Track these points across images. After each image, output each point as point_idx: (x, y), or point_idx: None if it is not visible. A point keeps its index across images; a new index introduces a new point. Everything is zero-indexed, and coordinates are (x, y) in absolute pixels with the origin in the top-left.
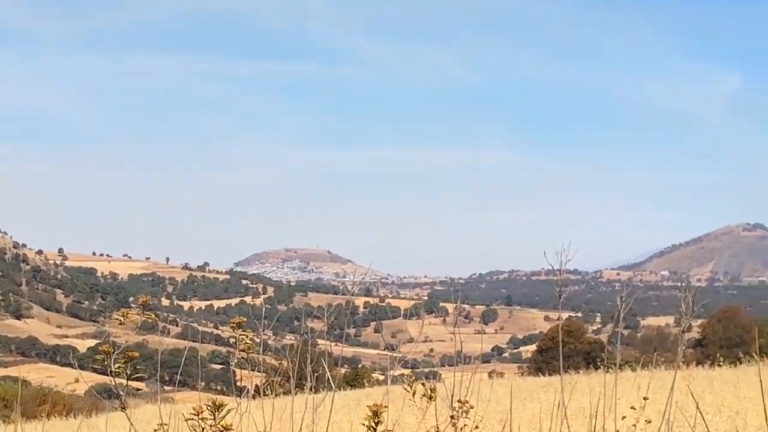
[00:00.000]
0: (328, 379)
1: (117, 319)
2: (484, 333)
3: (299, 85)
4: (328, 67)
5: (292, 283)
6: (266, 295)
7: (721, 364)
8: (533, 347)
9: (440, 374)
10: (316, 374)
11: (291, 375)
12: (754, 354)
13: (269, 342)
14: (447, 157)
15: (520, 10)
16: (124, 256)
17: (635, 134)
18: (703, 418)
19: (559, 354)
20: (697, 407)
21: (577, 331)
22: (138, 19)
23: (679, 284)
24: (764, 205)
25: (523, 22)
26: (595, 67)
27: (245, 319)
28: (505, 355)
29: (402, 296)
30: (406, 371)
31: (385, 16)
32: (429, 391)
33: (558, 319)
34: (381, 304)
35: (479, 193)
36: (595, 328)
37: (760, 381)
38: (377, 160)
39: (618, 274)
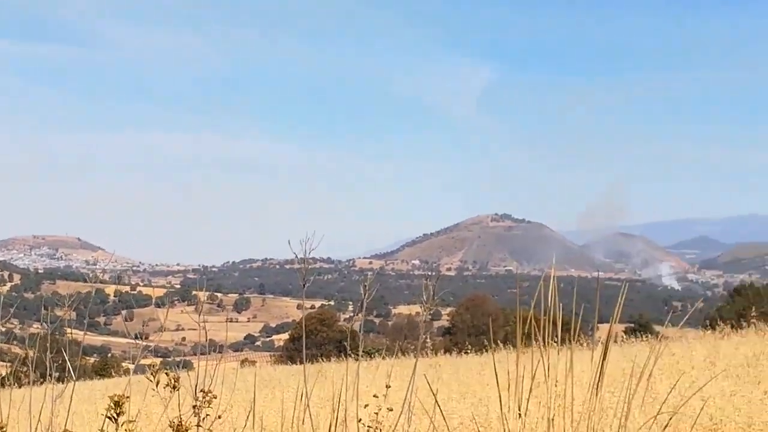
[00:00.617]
0: (72, 369)
1: None
2: (236, 321)
3: (49, 68)
4: (78, 50)
5: (40, 271)
6: (12, 283)
7: (468, 351)
8: (286, 336)
9: (192, 363)
10: (56, 363)
11: (29, 365)
12: (498, 341)
13: (15, 331)
14: (202, 145)
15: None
16: None
17: (389, 125)
18: (439, 406)
19: (302, 343)
20: (434, 395)
21: (330, 319)
22: None
23: (430, 273)
24: (512, 195)
25: (279, 13)
26: (351, 59)
27: None
28: (258, 343)
29: (154, 284)
30: (157, 360)
31: (136, 1)
32: (172, 380)
33: (311, 308)
34: (132, 291)
35: (234, 181)
36: (348, 316)
37: (495, 371)
38: (131, 146)
39: (370, 262)
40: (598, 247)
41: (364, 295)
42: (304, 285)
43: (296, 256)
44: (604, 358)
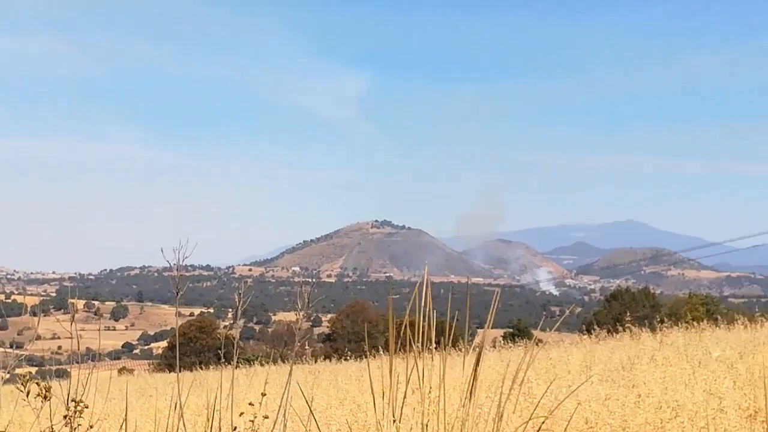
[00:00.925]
0: None
1: None
2: (114, 329)
3: None
4: None
5: None
6: None
7: (348, 358)
8: (165, 343)
9: (70, 372)
10: None
11: None
12: (380, 348)
13: None
14: (74, 150)
15: (149, 3)
16: None
17: (268, 133)
18: (312, 414)
19: (176, 352)
20: (308, 403)
21: (209, 326)
22: None
23: (310, 280)
24: (391, 202)
25: (154, 17)
26: (232, 65)
27: None
28: (137, 351)
29: (29, 292)
30: (32, 369)
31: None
32: (43, 390)
33: (190, 315)
34: (6, 300)
35: (111, 187)
36: (227, 323)
37: (370, 378)
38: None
39: (250, 269)
40: (478, 253)
41: (239, 302)
42: (177, 293)
43: (170, 264)
44: (477, 363)
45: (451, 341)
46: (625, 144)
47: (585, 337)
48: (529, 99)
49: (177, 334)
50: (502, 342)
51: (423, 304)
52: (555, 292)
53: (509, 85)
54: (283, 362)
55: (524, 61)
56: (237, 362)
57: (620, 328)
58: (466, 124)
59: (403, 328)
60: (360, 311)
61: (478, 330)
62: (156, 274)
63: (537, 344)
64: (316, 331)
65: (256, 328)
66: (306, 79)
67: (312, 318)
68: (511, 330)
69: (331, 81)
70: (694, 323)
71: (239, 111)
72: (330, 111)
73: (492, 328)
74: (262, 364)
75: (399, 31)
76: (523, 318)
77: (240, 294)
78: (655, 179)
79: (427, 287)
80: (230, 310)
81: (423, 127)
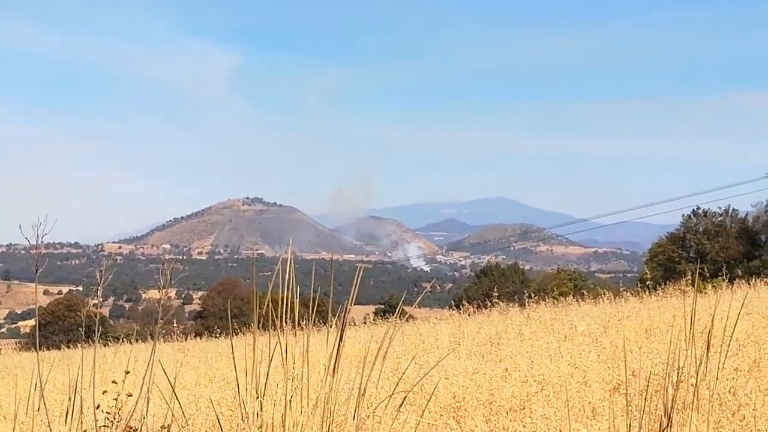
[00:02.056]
0: None
1: None
2: None
3: None
4: None
5: None
6: None
7: (219, 335)
8: (32, 322)
9: None
10: None
11: None
12: (251, 325)
13: None
14: None
15: None
16: None
17: (136, 108)
18: (174, 391)
19: (35, 331)
20: (169, 380)
21: (77, 304)
22: None
23: (180, 257)
24: (262, 179)
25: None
26: (94, 40)
27: None
28: (3, 330)
29: None
30: None
31: None
32: None
33: (59, 294)
34: None
35: None
36: (96, 301)
37: (233, 355)
38: None
39: (120, 247)
40: (349, 230)
41: (100, 279)
42: (36, 270)
43: (28, 241)
44: (341, 338)
45: (320, 317)
46: (494, 122)
47: (455, 312)
48: (405, 76)
49: (37, 312)
50: (373, 318)
51: (287, 280)
52: (426, 268)
53: (381, 64)
54: (154, 340)
55: (392, 40)
56: (106, 340)
57: (489, 304)
58: (337, 102)
59: (266, 304)
60: (231, 288)
61: (351, 307)
62: (23, 252)
63: (407, 320)
64: (188, 308)
65: (126, 306)
66: (175, 55)
67: (183, 296)
68: (382, 306)
69: (202, 58)
70: (561, 298)
71: (106, 88)
72: (201, 88)
73: (364, 304)
74: (130, 342)
75: (271, 7)
76: (394, 294)
77: (101, 270)
78: (523, 157)
79: (290, 263)
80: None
81: (295, 105)
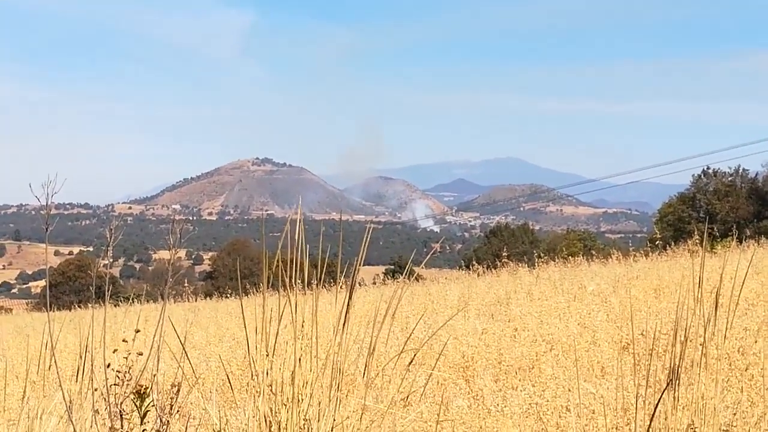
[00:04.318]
0: None
1: None
2: None
3: None
4: None
5: None
6: None
7: (229, 295)
8: (43, 282)
9: None
10: None
11: None
12: (261, 284)
13: None
14: None
15: None
16: None
17: (146, 68)
18: (184, 349)
19: (47, 291)
20: (180, 339)
21: (88, 265)
22: None
23: (190, 218)
24: (272, 139)
25: None
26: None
27: None
28: (15, 291)
29: None
30: None
31: None
32: None
33: (69, 254)
34: None
35: None
36: (106, 262)
37: (242, 314)
38: None
39: (130, 207)
40: (359, 191)
41: (110, 237)
42: (47, 229)
43: (38, 200)
44: (350, 297)
45: (330, 277)
46: (505, 83)
47: (464, 273)
48: (411, 38)
49: (48, 273)
50: (383, 278)
51: (297, 240)
52: (436, 228)
53: (391, 25)
54: (164, 300)
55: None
56: (117, 301)
57: (498, 264)
58: (348, 62)
59: (275, 264)
60: (241, 249)
61: (361, 267)
62: (33, 213)
63: (416, 280)
64: (198, 269)
65: (137, 266)
66: (185, 15)
67: (193, 256)
68: (392, 267)
69: (212, 17)
70: (571, 258)
71: (116, 49)
72: (211, 48)
73: (374, 264)
74: (141, 303)
75: None
76: (404, 254)
77: (111, 230)
78: (534, 118)
79: (300, 223)
80: (110, 248)
81: (305, 66)
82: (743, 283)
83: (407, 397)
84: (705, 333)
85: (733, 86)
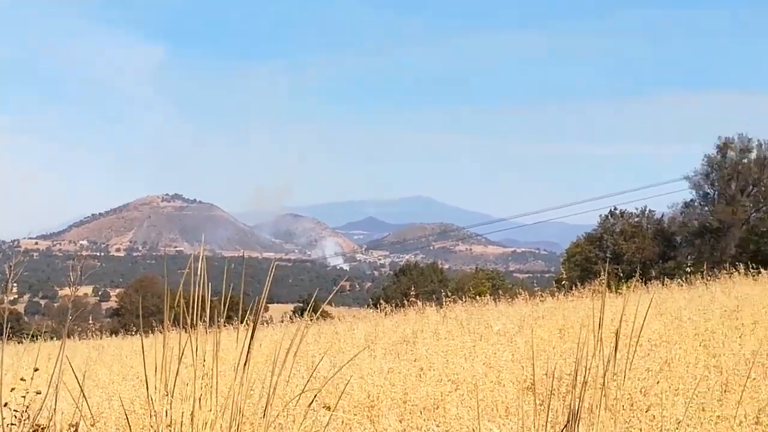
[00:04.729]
0: None
1: None
2: None
3: None
4: None
5: None
6: None
7: (135, 333)
8: None
9: None
10: None
11: None
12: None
13: None
14: None
15: None
16: None
17: (54, 101)
18: (82, 389)
19: None
20: (77, 379)
21: None
22: None
23: (98, 254)
24: (182, 176)
25: None
26: (10, 31)
27: None
28: None
29: None
30: None
31: None
32: None
33: None
34: None
35: None
36: (12, 298)
37: (143, 352)
38: None
39: (36, 243)
40: (268, 228)
41: (10, 275)
42: None
43: None
44: (252, 334)
45: (237, 315)
46: (416, 121)
47: (372, 311)
48: (318, 74)
49: None
50: (291, 316)
51: (200, 277)
52: (345, 266)
53: (305, 59)
54: (69, 337)
55: (319, 38)
56: (20, 338)
57: (406, 303)
58: (260, 100)
59: (176, 302)
60: (148, 286)
61: (269, 305)
62: None
63: (324, 319)
64: (105, 306)
65: (42, 303)
66: (95, 49)
67: (100, 293)
68: (301, 305)
69: (123, 52)
70: (479, 298)
71: (21, 81)
72: (121, 83)
73: (284, 302)
74: (45, 340)
75: (194, 4)
76: (313, 292)
77: (11, 266)
78: (444, 156)
79: (202, 260)
80: (15, 285)
81: (217, 103)
82: (643, 323)
83: None
84: (605, 374)
85: (642, 128)
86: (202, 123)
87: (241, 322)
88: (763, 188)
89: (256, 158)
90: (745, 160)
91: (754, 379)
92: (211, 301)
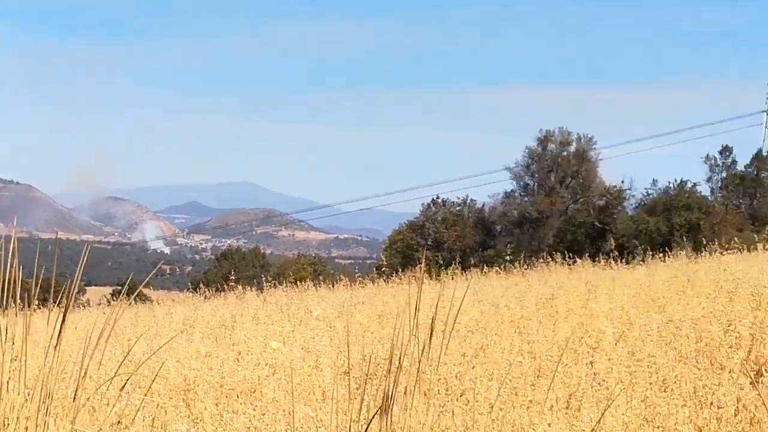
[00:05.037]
0: None
1: None
2: None
3: None
4: None
5: None
6: None
7: None
8: None
9: None
10: None
11: None
12: None
13: None
14: None
15: None
16: None
17: None
18: None
19: None
20: None
21: None
22: None
23: None
24: None
25: None
26: None
27: None
28: None
29: None
30: None
31: None
32: None
33: None
34: None
35: None
36: None
37: None
38: None
39: None
40: (87, 210)
41: None
42: None
43: None
44: (64, 316)
45: (54, 298)
46: (241, 106)
47: (192, 295)
48: (145, 59)
49: None
50: (109, 299)
51: (11, 258)
52: (166, 250)
53: (129, 44)
54: None
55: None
56: None
57: (227, 287)
58: (83, 79)
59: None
60: None
61: (86, 288)
62: None
63: (143, 302)
64: None
65: None
66: None
67: None
68: (120, 288)
69: None
70: (300, 283)
71: None
72: None
73: (102, 285)
74: None
75: None
76: (133, 276)
77: None
78: (269, 142)
79: (14, 241)
80: None
81: (37, 81)
82: (458, 309)
83: (119, 422)
84: (420, 359)
85: (462, 118)
86: (22, 100)
87: (57, 305)
88: (581, 180)
89: (78, 140)
90: (565, 153)
91: (566, 365)
92: (24, 282)
